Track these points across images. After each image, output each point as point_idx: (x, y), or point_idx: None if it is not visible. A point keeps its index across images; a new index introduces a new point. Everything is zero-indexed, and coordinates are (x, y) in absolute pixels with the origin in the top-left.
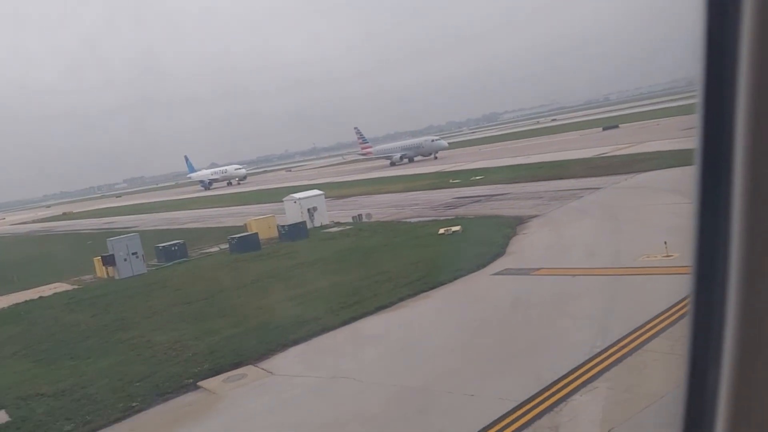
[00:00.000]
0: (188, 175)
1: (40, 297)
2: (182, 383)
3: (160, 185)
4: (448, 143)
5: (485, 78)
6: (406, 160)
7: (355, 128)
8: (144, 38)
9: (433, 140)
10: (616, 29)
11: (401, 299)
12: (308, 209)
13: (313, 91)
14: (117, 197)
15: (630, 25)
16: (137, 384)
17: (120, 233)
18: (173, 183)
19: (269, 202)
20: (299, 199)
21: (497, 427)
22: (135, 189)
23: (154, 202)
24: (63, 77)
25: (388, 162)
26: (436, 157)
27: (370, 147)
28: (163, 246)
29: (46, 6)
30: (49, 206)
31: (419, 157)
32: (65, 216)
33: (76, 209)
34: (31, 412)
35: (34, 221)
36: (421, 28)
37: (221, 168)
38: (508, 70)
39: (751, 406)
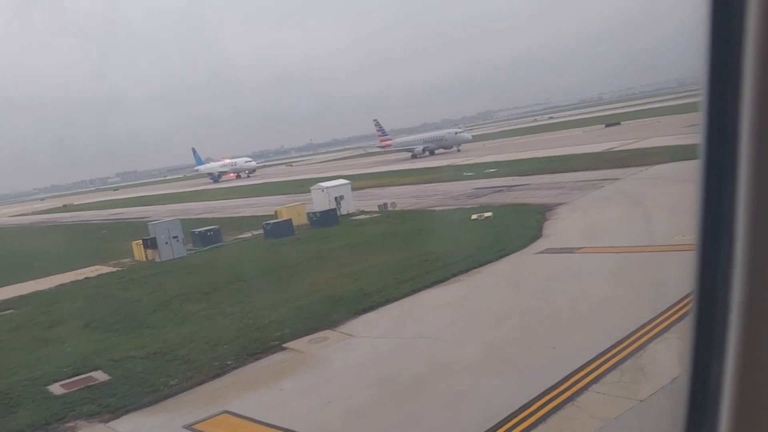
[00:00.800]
0: (195, 168)
1: (86, 278)
2: (268, 345)
3: (167, 177)
4: (472, 136)
5: (480, 77)
6: (427, 153)
7: (375, 120)
8: (141, 34)
9: (456, 133)
10: (609, 31)
11: (454, 275)
12: (335, 197)
13: (309, 87)
14: (114, 190)
15: (623, 26)
16: (225, 346)
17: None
18: (182, 175)
19: (281, 194)
20: (327, 187)
21: (589, 368)
22: (129, 183)
23: (158, 194)
24: (58, 72)
25: (409, 155)
26: (459, 150)
27: (390, 139)
28: (199, 231)
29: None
30: (43, 199)
31: (440, 150)
32: (66, 208)
33: (73, 202)
34: (129, 371)
35: (34, 213)
36: (416, 28)
37: (231, 160)
38: (502, 69)
39: (755, 400)
